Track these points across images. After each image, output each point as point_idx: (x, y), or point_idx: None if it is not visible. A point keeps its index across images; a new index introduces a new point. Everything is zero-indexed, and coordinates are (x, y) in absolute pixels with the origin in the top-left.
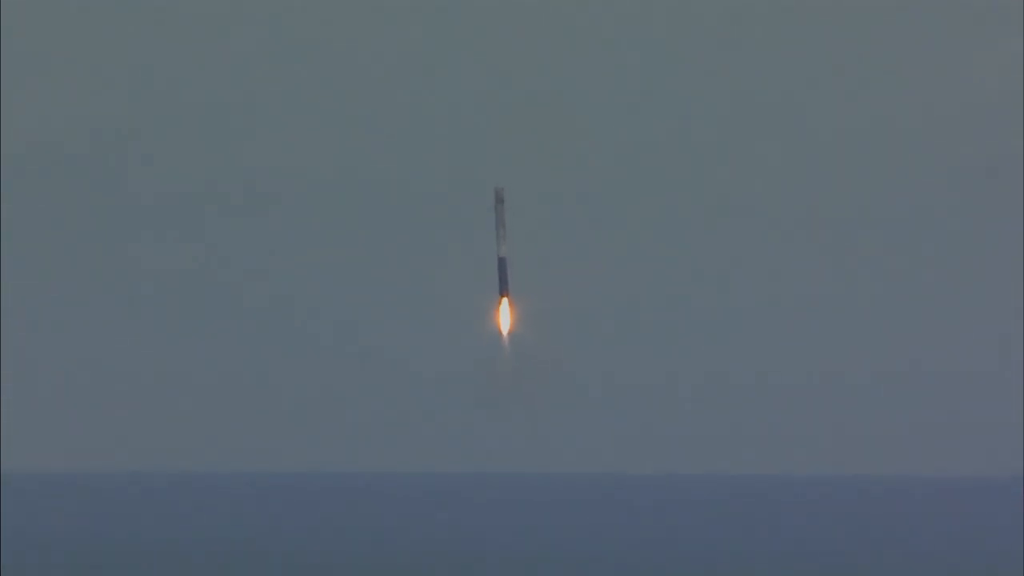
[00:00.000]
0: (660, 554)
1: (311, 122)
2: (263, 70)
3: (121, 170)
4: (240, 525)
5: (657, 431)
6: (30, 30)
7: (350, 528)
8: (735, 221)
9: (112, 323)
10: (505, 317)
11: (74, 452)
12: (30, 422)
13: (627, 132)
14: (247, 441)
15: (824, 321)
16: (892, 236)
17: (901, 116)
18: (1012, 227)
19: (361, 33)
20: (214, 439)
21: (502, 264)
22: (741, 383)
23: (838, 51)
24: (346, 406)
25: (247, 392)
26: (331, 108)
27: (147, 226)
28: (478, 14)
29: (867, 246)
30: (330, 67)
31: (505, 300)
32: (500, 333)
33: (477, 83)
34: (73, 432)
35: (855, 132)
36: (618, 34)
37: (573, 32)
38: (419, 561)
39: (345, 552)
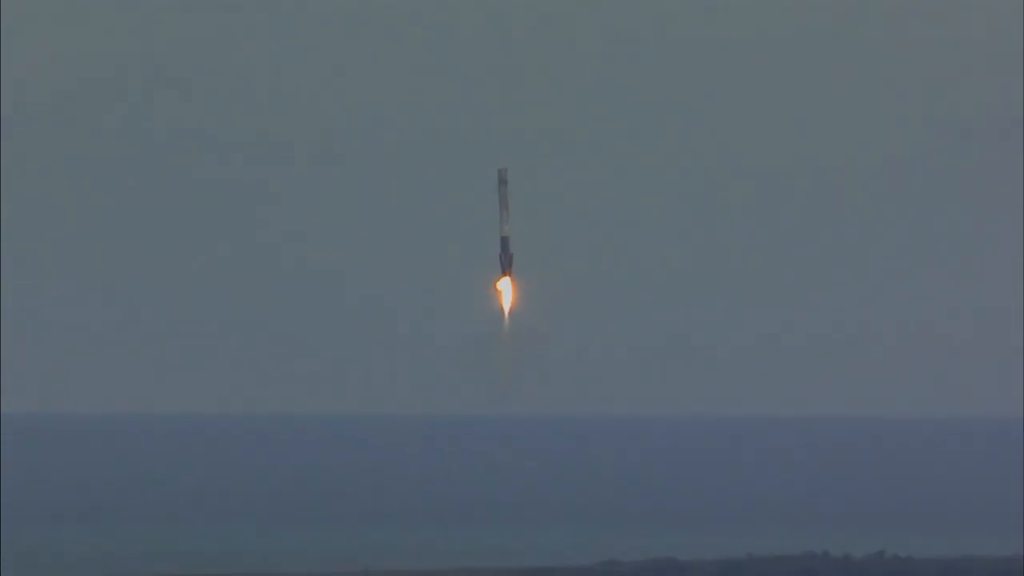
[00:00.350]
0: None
1: (319, 105)
2: (269, 65)
3: (128, 117)
4: (248, 464)
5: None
6: None
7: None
8: (735, 204)
9: (117, 268)
10: (507, 295)
11: (73, 394)
12: (29, 364)
13: (629, 115)
14: (256, 386)
15: (827, 275)
16: (895, 190)
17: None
18: (1012, 171)
19: (369, 23)
20: (226, 384)
21: (505, 243)
22: (741, 356)
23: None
24: (357, 360)
25: (255, 340)
26: (339, 90)
27: (158, 176)
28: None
29: (866, 199)
30: (335, 53)
31: (507, 278)
32: (502, 311)
33: (483, 67)
34: (72, 375)
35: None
36: (621, 20)
37: (577, 17)
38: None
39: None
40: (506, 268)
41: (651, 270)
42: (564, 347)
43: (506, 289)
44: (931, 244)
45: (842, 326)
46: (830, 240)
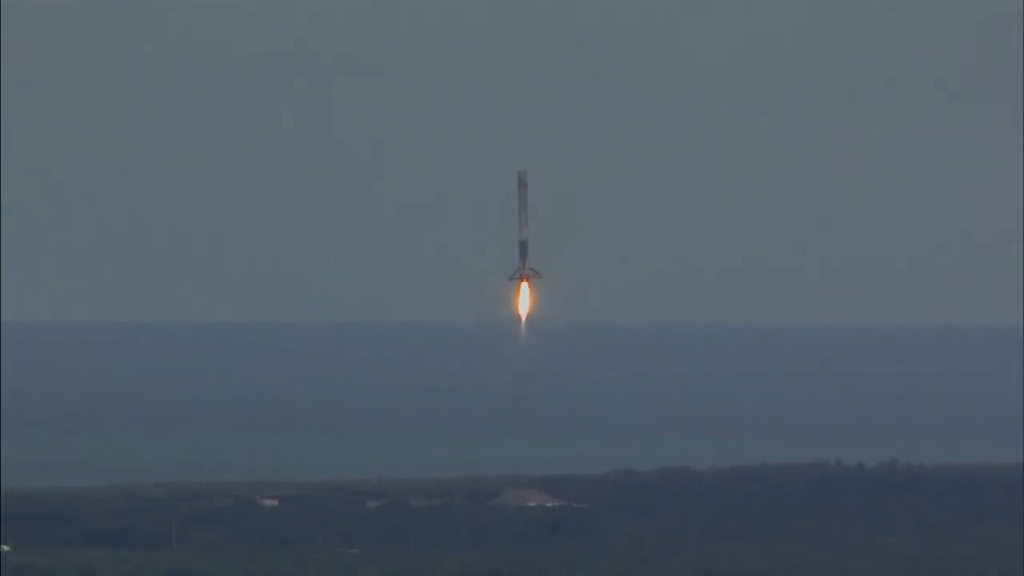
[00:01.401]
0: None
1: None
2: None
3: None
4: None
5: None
6: None
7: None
8: (751, 210)
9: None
10: (524, 299)
11: (78, 303)
12: (28, 274)
13: (648, 121)
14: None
15: (836, 200)
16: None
17: None
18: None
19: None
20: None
21: (523, 247)
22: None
23: None
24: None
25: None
26: (363, 99)
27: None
28: (509, 8)
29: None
30: (347, 49)
31: (525, 283)
32: (518, 315)
33: (505, 73)
34: (76, 284)
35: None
36: (633, 30)
37: (593, 28)
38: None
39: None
40: (524, 274)
41: (670, 271)
42: (581, 264)
43: (524, 293)
44: (944, 171)
45: (856, 241)
46: (847, 172)
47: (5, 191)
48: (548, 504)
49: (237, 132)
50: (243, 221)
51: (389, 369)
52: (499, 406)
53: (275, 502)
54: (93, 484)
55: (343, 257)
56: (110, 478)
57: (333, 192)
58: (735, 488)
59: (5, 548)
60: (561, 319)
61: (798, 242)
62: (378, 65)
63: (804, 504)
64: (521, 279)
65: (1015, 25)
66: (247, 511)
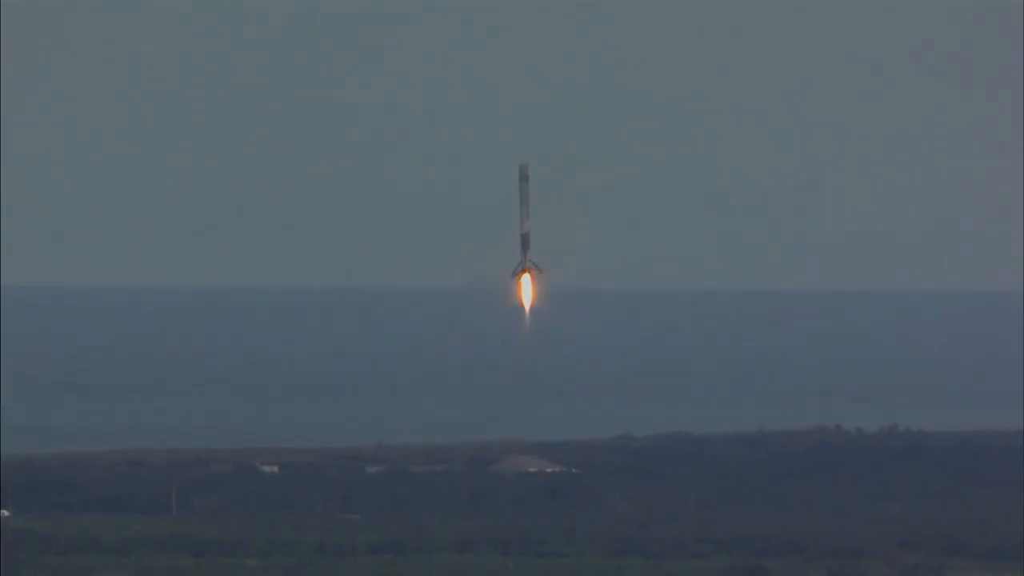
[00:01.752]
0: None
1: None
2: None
3: None
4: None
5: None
6: None
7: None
8: (748, 203)
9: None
10: (527, 292)
11: (82, 267)
12: (29, 238)
13: (649, 116)
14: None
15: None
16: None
17: None
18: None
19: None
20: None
21: (525, 240)
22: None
23: None
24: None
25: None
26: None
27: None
28: (513, 8)
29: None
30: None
31: (527, 275)
32: (522, 307)
33: (509, 69)
34: (79, 248)
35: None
36: (634, 32)
37: (595, 25)
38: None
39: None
40: (526, 266)
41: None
42: (582, 249)
43: (526, 286)
44: (945, 142)
45: (855, 206)
46: (842, 157)
47: (5, 191)
48: (548, 470)
49: (237, 133)
50: (245, 209)
51: (389, 335)
52: (499, 372)
53: (275, 468)
54: (93, 450)
55: (344, 231)
56: (111, 444)
57: (336, 180)
58: (735, 454)
59: (5, 513)
60: (560, 287)
61: (796, 207)
62: (380, 61)
63: (804, 470)
64: (523, 271)
65: (1015, 10)
66: (247, 477)
